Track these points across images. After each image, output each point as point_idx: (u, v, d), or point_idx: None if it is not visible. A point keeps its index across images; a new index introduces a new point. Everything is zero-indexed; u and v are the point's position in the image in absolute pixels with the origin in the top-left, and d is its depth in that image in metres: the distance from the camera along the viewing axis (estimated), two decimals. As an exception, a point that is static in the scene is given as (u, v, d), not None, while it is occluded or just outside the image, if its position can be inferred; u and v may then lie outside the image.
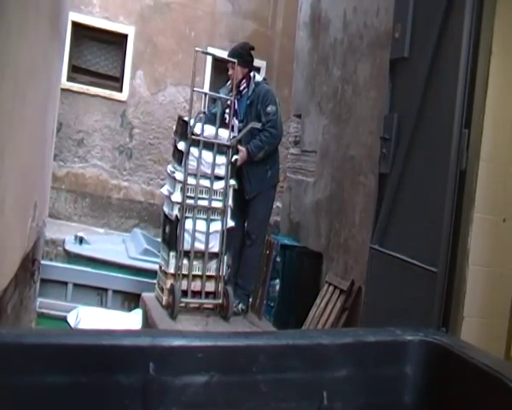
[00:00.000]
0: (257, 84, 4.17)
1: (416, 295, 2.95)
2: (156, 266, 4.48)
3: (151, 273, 4.95)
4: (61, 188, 7.09)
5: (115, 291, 5.27)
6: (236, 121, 4.15)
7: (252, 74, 4.21)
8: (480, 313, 2.89)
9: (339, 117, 4.55)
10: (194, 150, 3.87)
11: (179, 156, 3.94)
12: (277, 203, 6.07)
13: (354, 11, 4.41)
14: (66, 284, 5.16)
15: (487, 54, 2.80)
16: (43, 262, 5.07)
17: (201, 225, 3.96)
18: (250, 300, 4.36)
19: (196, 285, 3.99)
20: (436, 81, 2.99)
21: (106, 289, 5.25)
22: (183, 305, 3.94)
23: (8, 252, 2.71)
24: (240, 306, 4.18)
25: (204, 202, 3.96)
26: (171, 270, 3.94)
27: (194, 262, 3.96)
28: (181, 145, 3.88)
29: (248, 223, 4.24)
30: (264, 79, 4.45)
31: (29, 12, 2.52)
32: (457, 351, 1.43)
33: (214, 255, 4.02)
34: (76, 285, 5.18)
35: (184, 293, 3.92)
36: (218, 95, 4.34)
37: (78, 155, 7.20)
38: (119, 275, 5.32)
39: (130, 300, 5.21)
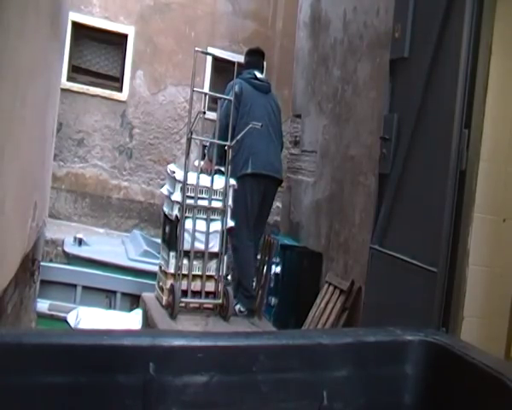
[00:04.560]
0: None
1: (416, 296, 2.95)
2: (156, 268, 4.47)
3: (151, 275, 4.94)
4: (61, 188, 7.08)
5: (124, 294, 5.24)
6: None
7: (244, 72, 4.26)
8: (480, 313, 2.88)
9: (339, 117, 4.55)
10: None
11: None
12: (277, 203, 6.07)
13: (354, 11, 4.41)
14: (75, 286, 5.13)
15: (487, 54, 2.80)
16: (51, 265, 5.06)
17: (201, 224, 3.96)
18: (253, 302, 4.27)
19: (196, 285, 3.99)
20: (436, 81, 2.99)
21: (114, 292, 5.23)
22: (183, 305, 3.94)
23: (8, 252, 2.70)
24: (238, 307, 4.17)
25: (204, 202, 3.96)
26: (171, 270, 3.95)
27: (194, 262, 3.96)
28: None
29: None
30: (250, 74, 4.30)
31: (29, 12, 2.52)
32: (457, 351, 1.43)
33: (214, 255, 4.03)
34: (85, 288, 5.15)
35: (184, 293, 3.92)
36: (217, 95, 4.34)
37: (78, 155, 7.19)
38: (127, 277, 5.30)
39: (136, 302, 5.20)
